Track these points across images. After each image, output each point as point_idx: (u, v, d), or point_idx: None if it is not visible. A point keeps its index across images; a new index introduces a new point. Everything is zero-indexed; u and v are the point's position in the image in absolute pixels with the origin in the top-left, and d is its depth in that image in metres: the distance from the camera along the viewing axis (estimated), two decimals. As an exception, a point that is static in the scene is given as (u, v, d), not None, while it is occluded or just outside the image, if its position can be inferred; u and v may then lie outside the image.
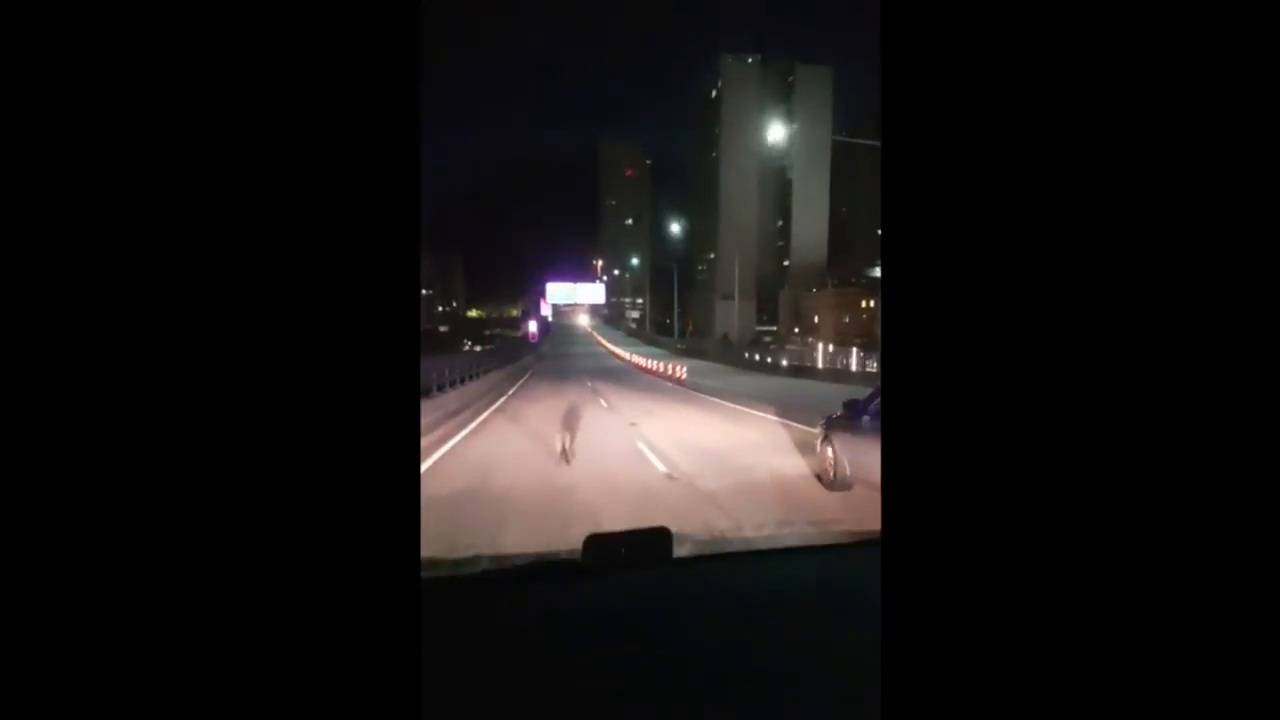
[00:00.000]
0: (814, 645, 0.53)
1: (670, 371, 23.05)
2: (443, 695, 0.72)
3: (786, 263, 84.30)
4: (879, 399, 4.94)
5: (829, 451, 5.43)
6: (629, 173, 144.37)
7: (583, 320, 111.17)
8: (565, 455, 7.23)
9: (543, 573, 1.14)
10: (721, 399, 14.46)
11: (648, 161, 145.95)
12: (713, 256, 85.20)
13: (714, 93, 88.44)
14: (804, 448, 7.17)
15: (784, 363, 28.32)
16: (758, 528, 4.28)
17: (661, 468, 6.57)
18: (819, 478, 5.70)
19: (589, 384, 20.69)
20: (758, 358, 31.57)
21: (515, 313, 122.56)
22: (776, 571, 1.23)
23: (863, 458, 4.76)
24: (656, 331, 72.97)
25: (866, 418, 4.95)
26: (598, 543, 1.15)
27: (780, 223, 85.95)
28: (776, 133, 64.75)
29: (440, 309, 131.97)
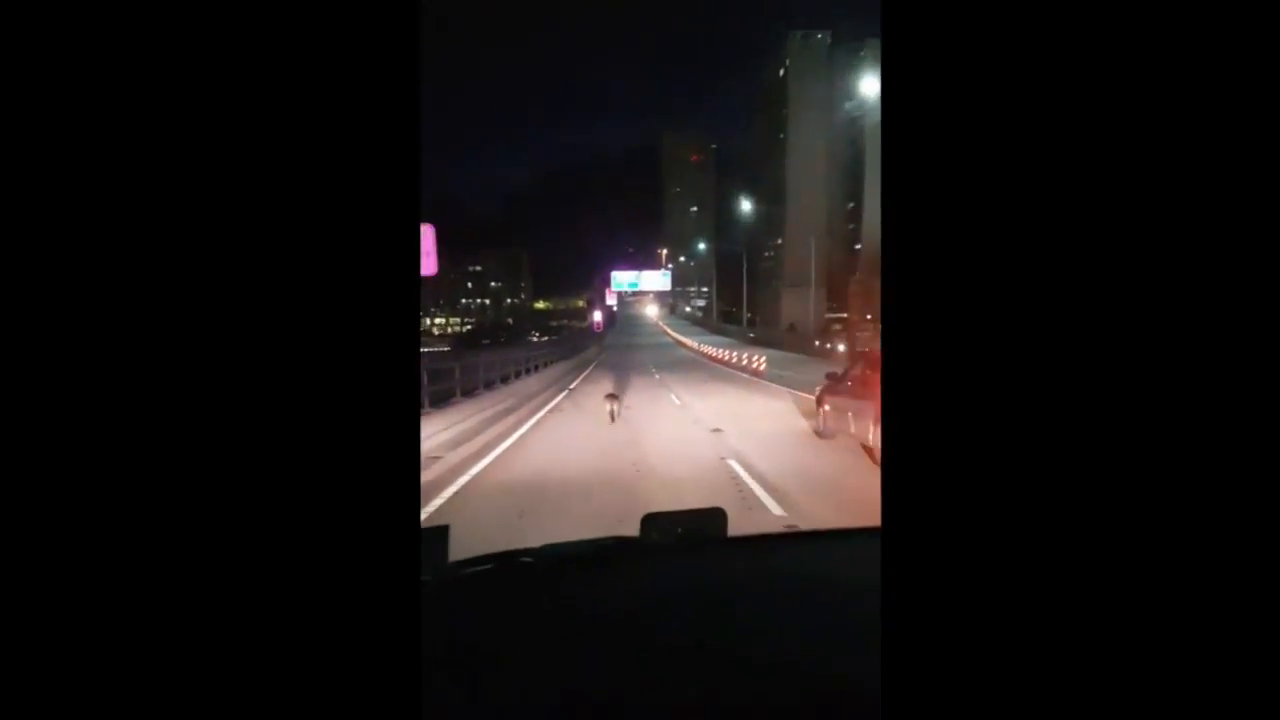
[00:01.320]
0: (870, 625, 0.56)
1: (746, 362, 21.45)
2: (505, 671, 0.75)
3: (858, 246, 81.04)
4: (852, 370, 7.24)
5: (820, 412, 7.95)
6: (693, 158, 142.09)
7: (650, 310, 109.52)
8: (613, 416, 9.16)
9: (601, 553, 1.16)
10: (809, 394, 12.87)
11: (712, 146, 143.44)
12: (779, 242, 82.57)
13: (781, 72, 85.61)
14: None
15: (859, 350, 26.71)
16: None
17: (776, 510, 4.69)
18: (816, 433, 8.01)
19: (656, 376, 19.44)
20: (828, 346, 30.10)
21: (580, 304, 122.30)
22: (834, 553, 1.25)
23: (841, 416, 7.08)
24: (722, 320, 71.18)
25: (846, 384, 7.19)
26: (655, 522, 1.19)
27: (851, 205, 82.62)
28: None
29: (509, 301, 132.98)
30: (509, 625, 0.88)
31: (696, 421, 9.29)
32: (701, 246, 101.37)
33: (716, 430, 8.41)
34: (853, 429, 6.70)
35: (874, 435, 6.03)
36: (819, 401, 7.97)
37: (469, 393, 9.85)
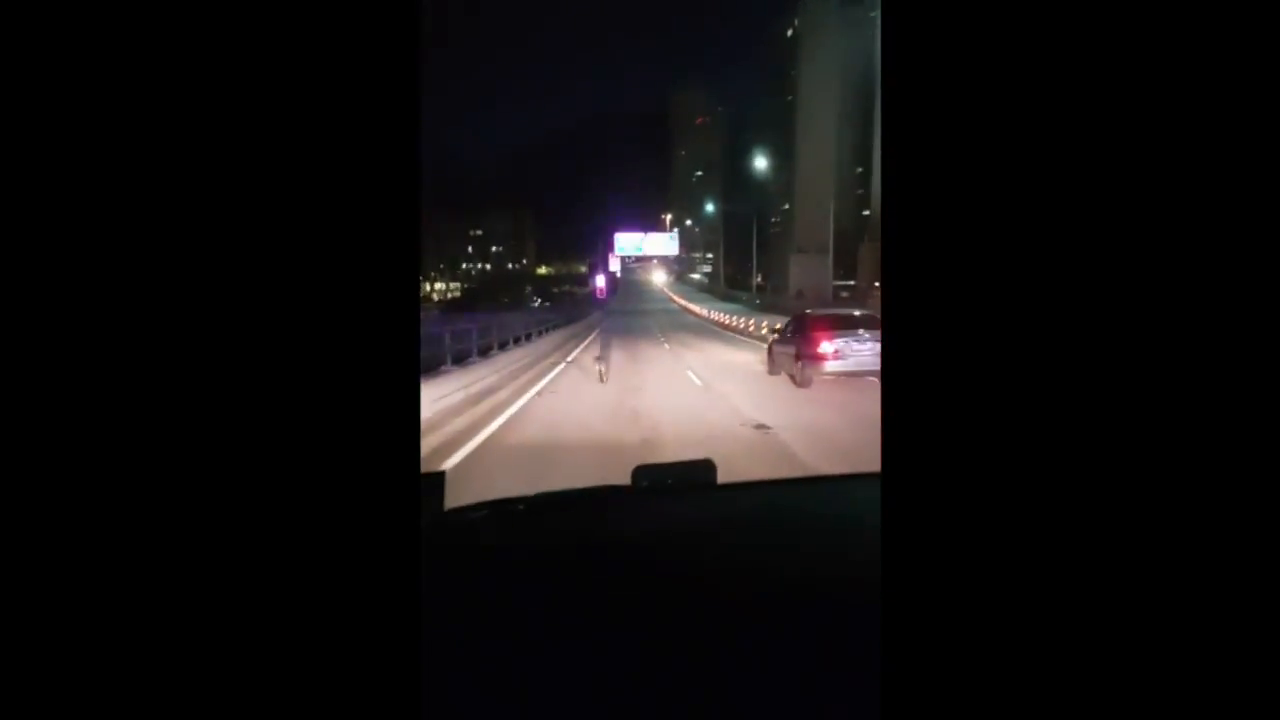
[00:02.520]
0: (860, 566, 0.56)
1: (766, 331, 20.08)
2: (492, 610, 0.76)
3: (866, 212, 79.06)
4: (790, 324, 10.58)
5: (768, 356, 11.04)
6: (699, 120, 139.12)
7: (656, 276, 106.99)
8: (602, 377, 9.92)
9: (593, 498, 1.19)
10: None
11: (719, 109, 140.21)
12: (787, 207, 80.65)
13: (789, 32, 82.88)
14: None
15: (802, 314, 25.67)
16: None
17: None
18: (768, 371, 10.74)
19: (665, 345, 18.22)
20: (844, 313, 29.05)
21: (584, 269, 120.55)
22: (826, 497, 1.27)
23: (783, 359, 10.08)
24: (729, 287, 69.61)
25: (787, 334, 10.23)
26: (645, 472, 1.22)
27: (860, 169, 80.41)
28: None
29: (511, 266, 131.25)
30: (507, 554, 0.92)
31: (734, 411, 7.88)
32: (709, 208, 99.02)
33: (762, 427, 6.52)
34: (784, 367, 9.95)
35: (795, 369, 9.27)
36: (769, 351, 10.99)
37: (432, 370, 8.57)
